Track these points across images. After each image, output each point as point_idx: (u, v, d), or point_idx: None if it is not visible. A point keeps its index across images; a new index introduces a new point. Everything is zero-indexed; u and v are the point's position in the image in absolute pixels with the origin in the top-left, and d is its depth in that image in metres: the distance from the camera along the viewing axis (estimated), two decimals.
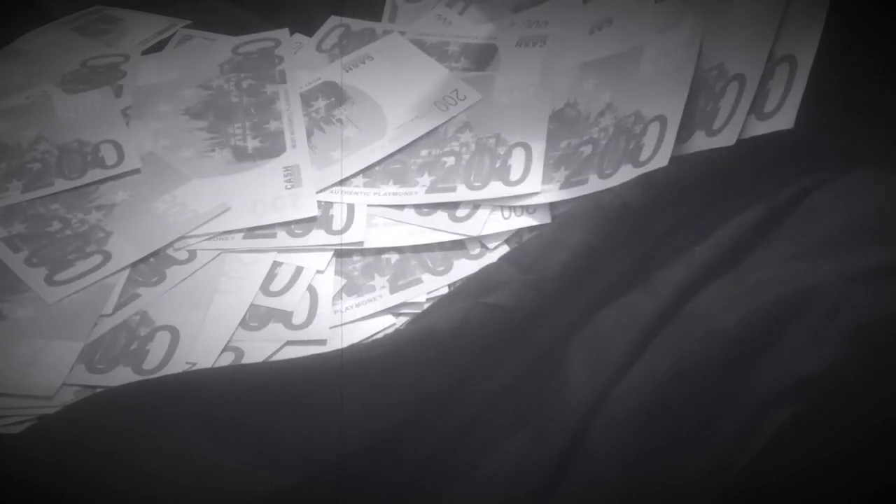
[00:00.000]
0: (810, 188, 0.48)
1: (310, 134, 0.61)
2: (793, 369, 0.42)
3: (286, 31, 0.70)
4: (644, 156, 0.50)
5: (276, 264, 0.54)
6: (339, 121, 0.62)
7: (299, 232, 0.55)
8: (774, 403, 0.42)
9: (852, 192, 0.47)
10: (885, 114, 0.49)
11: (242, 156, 0.60)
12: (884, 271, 0.44)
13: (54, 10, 0.75)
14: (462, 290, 0.49)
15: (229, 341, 0.50)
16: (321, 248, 0.55)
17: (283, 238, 0.55)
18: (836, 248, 0.45)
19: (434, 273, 0.53)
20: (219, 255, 0.55)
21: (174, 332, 0.50)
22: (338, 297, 0.52)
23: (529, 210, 0.55)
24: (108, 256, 0.55)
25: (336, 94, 0.64)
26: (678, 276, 0.47)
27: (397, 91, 0.64)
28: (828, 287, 0.43)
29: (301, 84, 0.65)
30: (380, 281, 0.53)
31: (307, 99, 0.64)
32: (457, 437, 0.45)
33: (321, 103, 0.63)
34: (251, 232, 0.56)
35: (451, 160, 0.58)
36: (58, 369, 0.49)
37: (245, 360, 0.49)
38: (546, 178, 0.56)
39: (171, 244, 0.55)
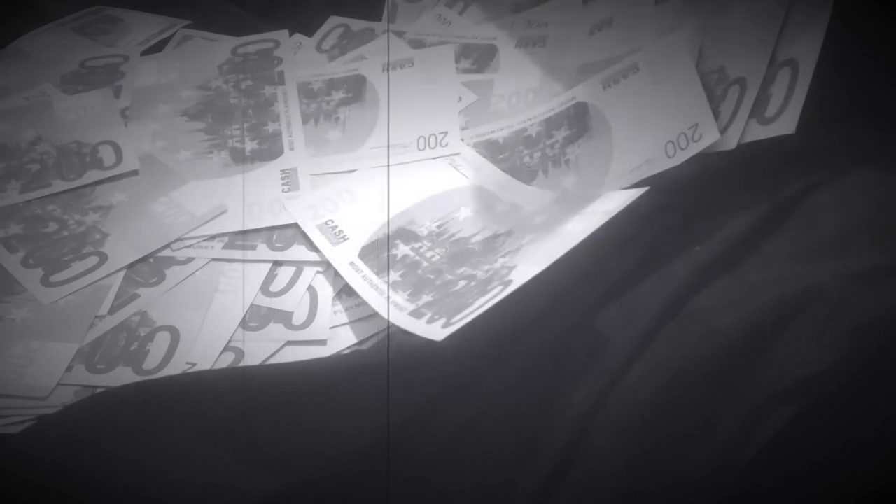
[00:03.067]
0: (810, 189, 0.48)
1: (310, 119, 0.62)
2: (793, 369, 0.43)
3: (285, 32, 0.70)
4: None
5: (276, 265, 0.54)
6: (337, 119, 0.62)
7: (280, 245, 0.55)
8: (774, 403, 0.42)
9: (852, 193, 0.47)
10: (886, 115, 0.50)
11: (240, 158, 0.60)
12: (883, 271, 0.44)
13: (54, 11, 0.75)
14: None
15: (229, 341, 0.50)
16: (298, 263, 0.55)
17: (262, 251, 0.55)
18: (835, 248, 0.45)
19: None
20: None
21: (174, 333, 0.50)
22: (338, 297, 0.52)
23: None
24: (104, 258, 0.54)
25: (355, 91, 0.64)
26: (678, 276, 0.47)
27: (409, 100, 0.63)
28: (827, 287, 0.44)
29: (338, 70, 0.66)
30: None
31: (329, 87, 0.64)
32: (458, 437, 0.45)
33: (337, 96, 0.63)
34: (231, 242, 0.56)
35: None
36: (53, 370, 0.49)
37: (245, 361, 0.49)
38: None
39: (166, 246, 0.55)
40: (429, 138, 0.60)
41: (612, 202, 0.48)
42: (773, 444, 0.42)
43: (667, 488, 0.43)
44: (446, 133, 0.60)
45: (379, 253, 0.52)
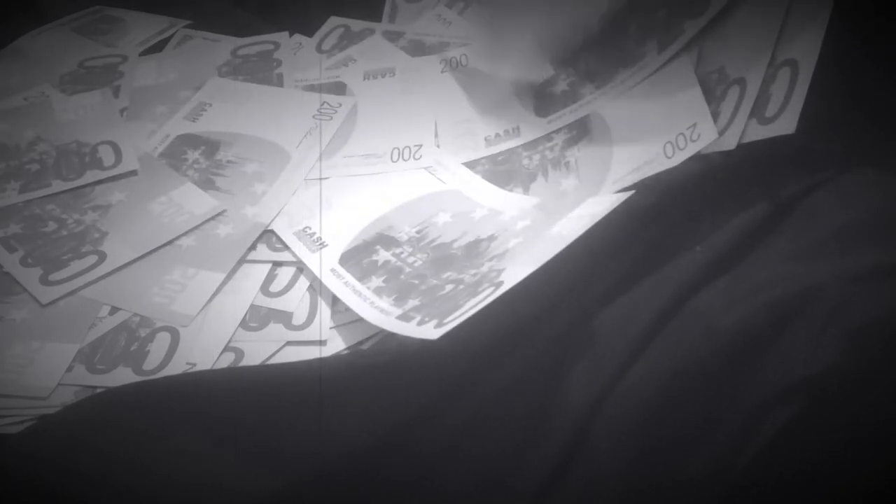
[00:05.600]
0: (810, 189, 0.48)
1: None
2: (793, 369, 0.43)
3: (286, 34, 0.71)
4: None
5: (276, 265, 0.54)
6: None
7: (280, 246, 0.55)
8: (774, 403, 0.42)
9: (852, 193, 0.47)
10: (885, 115, 0.50)
11: None
12: (883, 272, 0.44)
13: (54, 11, 0.75)
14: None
15: (229, 342, 0.50)
16: (298, 264, 0.55)
17: (262, 251, 0.55)
18: (835, 248, 0.45)
19: None
20: None
21: (174, 333, 0.50)
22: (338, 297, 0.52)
23: None
24: (103, 257, 0.54)
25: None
26: (678, 276, 0.47)
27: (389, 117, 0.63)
28: (827, 287, 0.44)
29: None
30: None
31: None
32: (459, 438, 0.45)
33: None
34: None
35: None
36: (53, 371, 0.49)
37: (245, 361, 0.49)
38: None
39: (165, 245, 0.55)
40: (403, 150, 0.60)
41: (599, 205, 0.48)
42: (773, 444, 0.42)
43: (667, 488, 0.43)
44: (420, 146, 0.60)
45: (361, 259, 0.52)
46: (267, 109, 0.63)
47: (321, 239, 0.54)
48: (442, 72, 0.64)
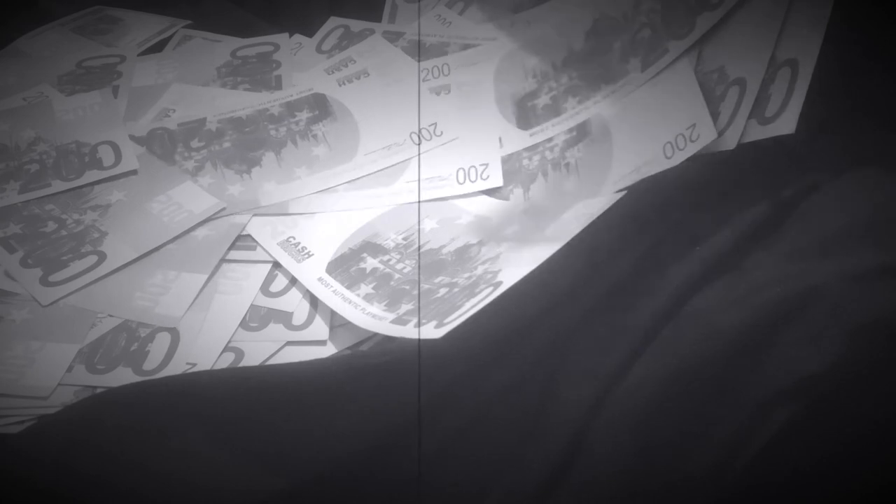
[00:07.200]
0: (810, 189, 0.48)
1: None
2: (793, 369, 0.43)
3: (286, 35, 0.70)
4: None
5: (276, 265, 0.54)
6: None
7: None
8: (774, 403, 0.43)
9: (852, 193, 0.47)
10: (886, 114, 0.50)
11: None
12: (883, 271, 0.44)
13: (55, 11, 0.75)
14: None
15: (229, 342, 0.50)
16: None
17: (262, 251, 0.55)
18: (836, 248, 0.45)
19: None
20: None
21: (174, 333, 0.50)
22: None
23: None
24: (102, 257, 0.54)
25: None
26: (678, 276, 0.47)
27: (379, 114, 0.62)
28: (828, 287, 0.44)
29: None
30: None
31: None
32: (458, 438, 0.45)
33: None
34: (231, 243, 0.56)
35: None
36: (54, 371, 0.49)
37: (245, 361, 0.49)
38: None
39: (165, 244, 0.55)
40: (421, 133, 0.60)
41: (591, 207, 0.48)
42: (773, 443, 0.42)
43: (667, 488, 0.43)
44: (435, 124, 0.60)
45: (348, 267, 0.52)
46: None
47: (306, 248, 0.54)
48: (424, 80, 0.64)
